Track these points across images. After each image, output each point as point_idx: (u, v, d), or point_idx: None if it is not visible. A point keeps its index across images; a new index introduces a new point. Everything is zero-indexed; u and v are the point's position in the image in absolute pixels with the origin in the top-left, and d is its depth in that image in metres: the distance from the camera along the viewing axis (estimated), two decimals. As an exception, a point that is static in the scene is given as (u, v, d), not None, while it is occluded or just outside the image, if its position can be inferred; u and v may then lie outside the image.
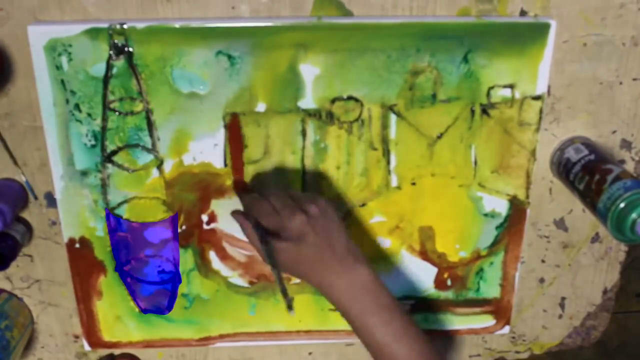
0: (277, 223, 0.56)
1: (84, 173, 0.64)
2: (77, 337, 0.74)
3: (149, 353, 0.75)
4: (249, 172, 0.65)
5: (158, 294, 0.70)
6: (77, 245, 0.67)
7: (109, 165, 0.63)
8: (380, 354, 0.55)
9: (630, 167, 0.69)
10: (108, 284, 0.69)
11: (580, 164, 0.63)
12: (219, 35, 0.59)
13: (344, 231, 0.58)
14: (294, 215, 0.56)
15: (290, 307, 0.60)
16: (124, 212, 0.65)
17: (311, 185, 0.66)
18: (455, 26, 0.60)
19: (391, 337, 0.54)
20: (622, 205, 0.57)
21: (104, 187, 0.64)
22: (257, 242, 0.57)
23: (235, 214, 0.61)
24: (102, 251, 0.67)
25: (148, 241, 0.67)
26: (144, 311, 0.71)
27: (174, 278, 0.69)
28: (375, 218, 0.68)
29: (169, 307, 0.70)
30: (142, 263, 0.68)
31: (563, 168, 0.65)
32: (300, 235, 0.55)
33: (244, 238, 0.67)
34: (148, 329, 0.72)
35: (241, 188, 0.65)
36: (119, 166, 0.63)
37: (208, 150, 0.63)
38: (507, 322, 0.75)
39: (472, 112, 0.63)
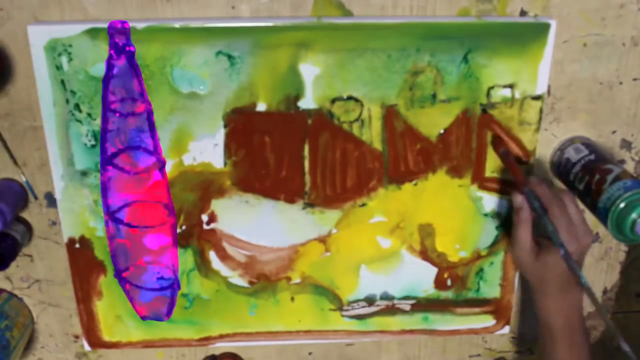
0: (569, 233, 0.57)
1: (84, 173, 0.63)
2: (77, 337, 0.74)
3: (149, 353, 0.75)
4: (248, 170, 0.65)
5: (157, 301, 0.70)
6: (77, 245, 0.67)
7: (109, 167, 0.63)
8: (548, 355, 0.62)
9: (630, 167, 0.69)
10: (108, 284, 0.69)
11: (580, 164, 0.63)
12: (219, 35, 0.59)
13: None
14: (589, 235, 0.58)
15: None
16: (125, 215, 0.65)
17: (311, 185, 0.66)
18: (455, 26, 0.60)
19: (567, 353, 0.61)
20: (622, 205, 0.57)
21: (104, 190, 0.64)
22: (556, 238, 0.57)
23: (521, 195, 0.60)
24: (102, 251, 0.67)
25: (147, 248, 0.67)
26: (143, 318, 0.71)
27: (173, 285, 0.69)
28: (375, 218, 0.68)
29: (168, 314, 0.71)
30: (140, 270, 0.68)
31: (563, 168, 0.65)
32: (579, 254, 0.58)
33: (244, 238, 0.67)
34: (148, 329, 0.72)
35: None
36: (120, 169, 0.63)
37: (208, 150, 0.63)
38: (507, 322, 0.75)
39: (473, 112, 0.63)
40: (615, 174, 0.60)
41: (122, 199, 0.65)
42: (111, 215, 0.65)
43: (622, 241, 0.59)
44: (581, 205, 0.62)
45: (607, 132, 0.68)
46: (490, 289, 0.72)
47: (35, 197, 0.67)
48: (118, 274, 0.68)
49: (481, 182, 0.67)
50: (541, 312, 0.62)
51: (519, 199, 0.60)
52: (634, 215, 0.57)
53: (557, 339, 0.61)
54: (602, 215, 0.59)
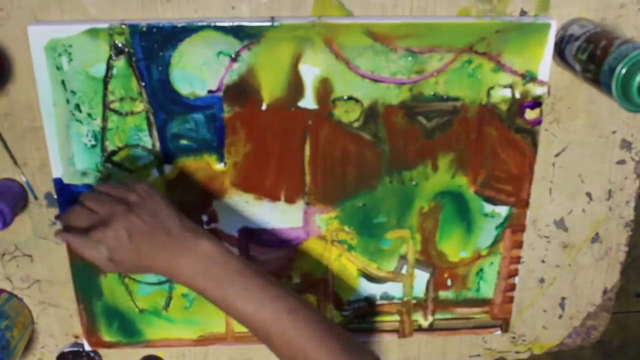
0: (99, 223, 0.53)
1: (84, 173, 0.63)
2: (77, 337, 0.74)
3: (149, 353, 0.75)
4: (248, 170, 0.65)
5: (155, 295, 0.70)
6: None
7: (109, 165, 0.63)
8: (251, 325, 0.52)
9: (630, 167, 0.69)
10: (108, 284, 0.69)
11: (584, 37, 0.58)
12: (219, 35, 0.58)
13: (174, 209, 0.55)
14: (113, 209, 0.52)
15: None
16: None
17: (311, 185, 0.66)
18: (455, 26, 0.60)
19: (253, 304, 0.52)
20: (629, 64, 0.52)
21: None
22: (91, 250, 0.53)
23: (60, 235, 0.55)
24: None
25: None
26: (142, 311, 0.71)
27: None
28: (375, 218, 0.68)
29: (166, 308, 0.71)
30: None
31: (565, 44, 0.61)
32: (130, 228, 0.52)
33: (244, 238, 0.67)
34: (148, 329, 0.72)
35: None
36: (119, 166, 0.63)
37: (208, 150, 0.63)
38: (507, 322, 0.75)
39: (472, 112, 0.63)
40: (624, 39, 0.55)
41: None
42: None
43: (627, 108, 0.54)
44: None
45: (607, 132, 0.68)
46: (490, 289, 0.72)
47: (35, 197, 0.67)
48: None
49: (481, 181, 0.67)
50: (182, 284, 0.54)
51: (63, 239, 0.55)
52: None
53: (215, 301, 0.53)
54: (606, 77, 0.54)
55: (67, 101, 0.60)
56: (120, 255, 0.53)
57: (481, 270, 0.71)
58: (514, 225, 0.69)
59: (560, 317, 0.77)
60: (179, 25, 0.58)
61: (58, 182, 0.64)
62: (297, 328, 0.52)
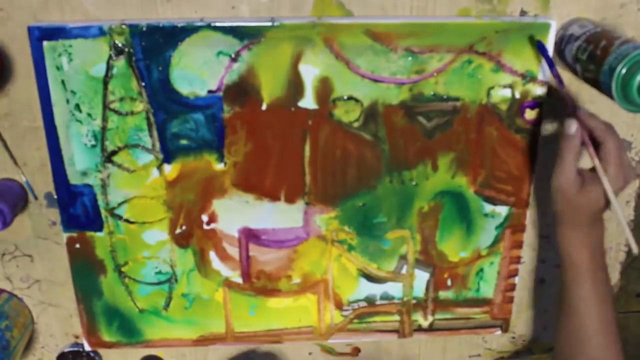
0: (619, 168, 0.55)
1: (84, 173, 0.63)
2: (77, 337, 0.74)
3: (149, 353, 0.75)
4: (249, 170, 0.65)
5: (155, 295, 0.70)
6: (77, 245, 0.67)
7: (109, 165, 0.63)
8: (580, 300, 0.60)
9: (630, 167, 0.69)
10: (108, 283, 0.69)
11: (584, 36, 0.58)
12: (219, 35, 0.58)
13: None
14: (633, 173, 0.57)
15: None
16: (124, 212, 0.65)
17: (311, 184, 0.66)
18: (455, 26, 0.60)
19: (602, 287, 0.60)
20: (630, 64, 0.52)
21: (103, 187, 0.64)
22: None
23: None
24: (103, 251, 0.67)
25: (145, 243, 0.67)
26: (142, 311, 0.71)
27: (171, 279, 0.69)
28: (375, 218, 0.68)
29: (166, 307, 0.71)
30: (139, 264, 0.68)
31: (565, 44, 0.60)
32: (620, 185, 0.56)
33: (244, 238, 0.67)
34: (148, 329, 0.72)
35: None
36: (119, 166, 0.63)
37: (208, 150, 0.63)
38: (507, 322, 0.75)
39: (472, 112, 0.63)
40: (624, 39, 0.55)
41: (122, 196, 0.65)
42: (111, 212, 0.65)
43: (627, 108, 0.54)
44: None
45: (607, 132, 0.67)
46: (490, 289, 0.72)
47: (35, 197, 0.67)
48: (117, 269, 0.68)
49: (481, 181, 0.67)
50: (568, 247, 0.60)
51: (573, 127, 0.57)
52: None
53: (581, 275, 0.59)
54: (606, 77, 0.54)
55: (67, 101, 0.60)
56: (593, 191, 0.57)
57: (481, 270, 0.71)
58: (514, 225, 0.69)
59: (561, 317, 0.77)
60: (179, 25, 0.58)
61: (58, 182, 0.64)
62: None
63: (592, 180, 0.57)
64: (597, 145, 0.56)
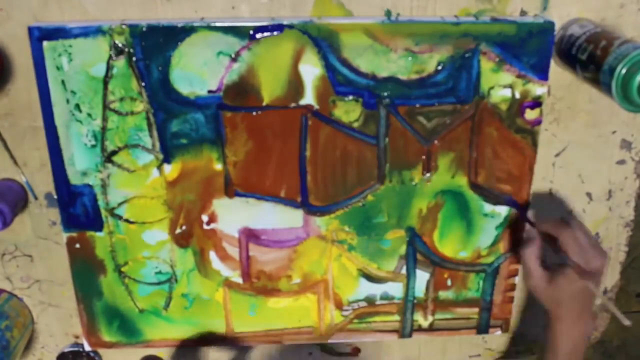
0: (580, 258, 0.59)
1: (84, 173, 0.63)
2: (77, 337, 0.74)
3: (149, 353, 0.75)
4: (249, 170, 0.65)
5: (155, 295, 0.70)
6: (77, 245, 0.67)
7: (109, 165, 0.63)
8: None
9: (630, 167, 0.69)
10: (108, 283, 0.69)
11: (584, 36, 0.58)
12: (219, 35, 0.58)
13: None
14: (601, 257, 0.60)
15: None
16: (124, 212, 0.65)
17: (311, 184, 0.66)
18: (455, 26, 0.60)
19: None
20: (629, 64, 0.52)
21: (104, 187, 0.64)
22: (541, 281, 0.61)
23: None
24: (103, 251, 0.67)
25: (145, 242, 0.67)
26: (142, 311, 0.71)
27: (171, 279, 0.69)
28: (375, 218, 0.68)
29: (166, 307, 0.71)
30: (139, 264, 0.68)
31: (565, 44, 0.60)
32: (592, 277, 0.59)
33: (244, 238, 0.67)
34: (148, 329, 0.72)
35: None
36: (119, 166, 0.63)
37: (208, 150, 0.63)
38: (507, 322, 0.74)
39: (472, 112, 0.63)
40: (624, 39, 0.55)
41: (122, 195, 0.65)
42: (111, 212, 0.65)
43: (627, 108, 0.54)
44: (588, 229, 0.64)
45: (607, 132, 0.67)
46: (490, 289, 0.72)
47: (35, 197, 0.67)
48: (116, 268, 0.68)
49: (481, 182, 0.67)
50: (553, 337, 0.63)
51: (530, 230, 0.63)
52: None
53: None
54: (606, 77, 0.54)
55: (67, 101, 0.60)
56: (564, 285, 0.60)
57: (482, 270, 0.71)
58: (514, 225, 0.69)
59: (561, 317, 0.77)
60: (179, 25, 0.58)
61: (58, 182, 0.63)
62: None
63: (559, 270, 0.61)
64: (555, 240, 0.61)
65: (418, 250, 0.69)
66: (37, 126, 0.63)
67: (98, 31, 0.58)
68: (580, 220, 0.63)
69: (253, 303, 0.71)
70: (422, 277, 0.71)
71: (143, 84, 0.60)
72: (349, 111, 0.63)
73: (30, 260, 0.70)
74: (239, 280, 0.70)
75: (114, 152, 0.63)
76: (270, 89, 0.61)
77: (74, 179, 0.64)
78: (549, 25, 0.60)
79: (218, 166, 0.64)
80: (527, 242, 0.63)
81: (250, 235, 0.68)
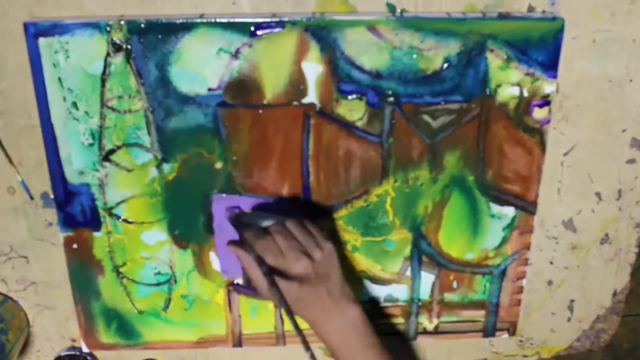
0: (281, 264, 0.58)
1: (82, 172, 0.63)
2: (74, 340, 0.73)
3: (148, 355, 0.75)
4: (249, 169, 0.64)
5: (154, 296, 0.69)
6: (75, 245, 0.66)
7: (107, 164, 0.62)
8: None
9: (639, 166, 0.69)
10: (106, 284, 0.68)
11: None
12: (219, 31, 0.58)
13: (341, 274, 0.60)
14: (300, 259, 0.57)
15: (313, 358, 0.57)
16: (122, 211, 0.65)
17: (314, 184, 0.65)
18: (461, 22, 0.59)
19: None
20: None
21: (101, 186, 0.64)
22: (260, 280, 0.57)
23: (234, 246, 0.60)
24: (101, 251, 0.67)
25: (144, 243, 0.67)
26: (141, 312, 0.70)
27: (170, 280, 0.69)
28: (379, 218, 0.67)
29: (165, 309, 0.70)
30: (138, 265, 0.68)
31: None
32: (303, 278, 0.57)
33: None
34: (147, 330, 0.71)
35: (234, 217, 0.64)
36: (117, 165, 0.63)
37: (208, 149, 0.63)
38: (514, 325, 0.74)
39: (479, 110, 0.63)
40: None
41: (120, 195, 0.64)
42: (109, 211, 0.65)
43: None
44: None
45: (616, 130, 0.67)
46: (497, 291, 0.71)
47: (31, 197, 0.66)
48: (115, 269, 0.68)
49: (488, 182, 0.66)
50: (321, 339, 0.60)
51: (240, 255, 0.60)
52: None
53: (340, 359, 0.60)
54: None
55: (64, 99, 0.60)
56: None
57: (489, 272, 0.70)
58: (522, 226, 0.68)
59: (569, 320, 0.77)
60: (179, 21, 0.57)
61: (55, 181, 0.63)
62: None
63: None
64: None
65: (423, 252, 0.69)
66: (33, 124, 0.62)
67: (95, 27, 0.57)
68: (280, 226, 0.60)
69: (254, 304, 0.70)
70: (427, 278, 0.70)
71: (141, 81, 0.60)
72: (352, 109, 0.62)
73: (26, 261, 0.69)
74: (240, 281, 0.69)
75: (112, 151, 0.62)
76: (271, 87, 0.61)
77: (71, 178, 0.63)
78: (558, 22, 0.59)
79: (218, 165, 0.63)
80: (244, 262, 0.59)
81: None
